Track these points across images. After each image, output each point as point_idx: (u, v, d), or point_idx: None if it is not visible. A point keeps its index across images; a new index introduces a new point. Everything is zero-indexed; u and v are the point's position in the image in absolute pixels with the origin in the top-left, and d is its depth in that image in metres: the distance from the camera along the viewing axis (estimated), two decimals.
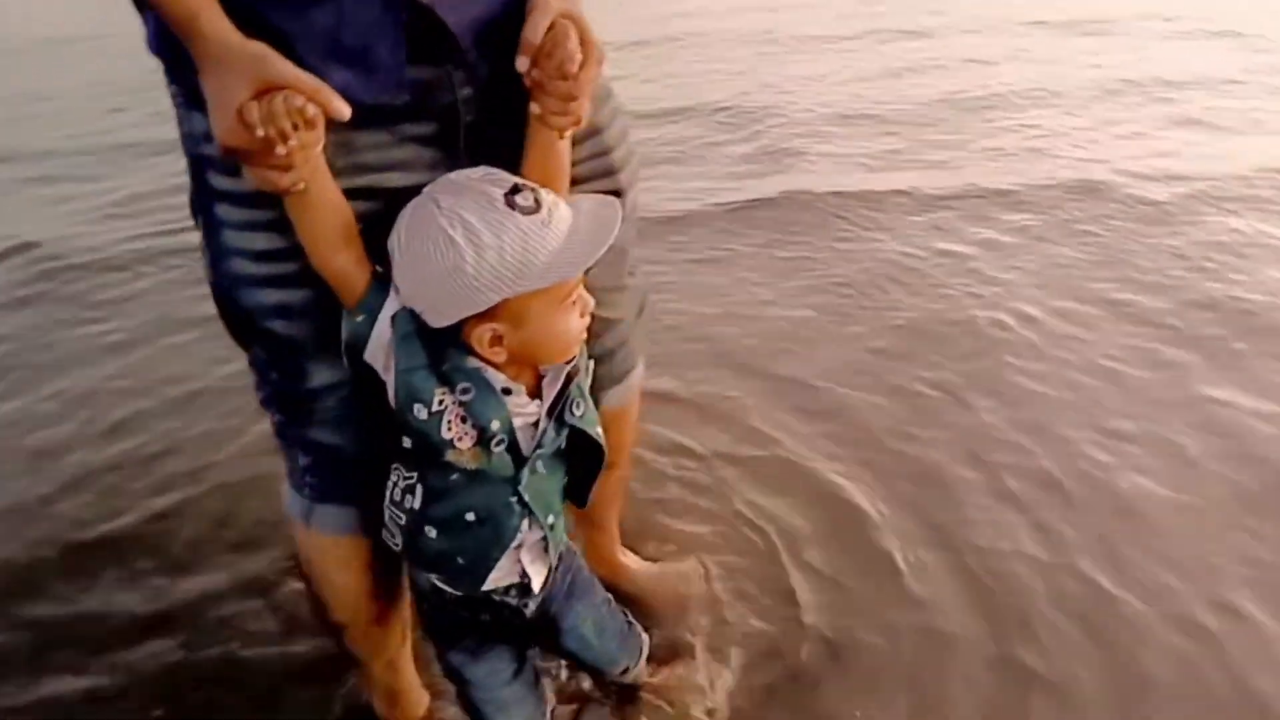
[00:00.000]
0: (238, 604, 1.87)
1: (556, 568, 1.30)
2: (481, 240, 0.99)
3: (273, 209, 1.04)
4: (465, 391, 1.07)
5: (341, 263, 1.04)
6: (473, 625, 1.28)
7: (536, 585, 1.26)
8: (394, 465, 1.17)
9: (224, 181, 1.09)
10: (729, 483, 2.13)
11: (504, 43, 1.05)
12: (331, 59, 0.98)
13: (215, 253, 1.15)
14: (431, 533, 1.16)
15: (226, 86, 0.93)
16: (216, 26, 0.94)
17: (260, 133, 0.91)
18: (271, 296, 1.14)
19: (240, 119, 0.91)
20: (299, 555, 1.43)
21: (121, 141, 4.72)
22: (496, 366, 1.08)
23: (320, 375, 1.19)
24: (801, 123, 4.54)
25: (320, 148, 0.97)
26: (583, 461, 1.24)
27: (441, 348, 1.06)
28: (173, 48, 1.00)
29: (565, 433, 1.17)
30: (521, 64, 1.04)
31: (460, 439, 1.08)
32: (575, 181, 1.17)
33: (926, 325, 2.73)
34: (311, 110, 0.92)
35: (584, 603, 1.38)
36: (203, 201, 1.14)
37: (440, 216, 1.00)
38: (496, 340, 1.05)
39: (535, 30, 1.02)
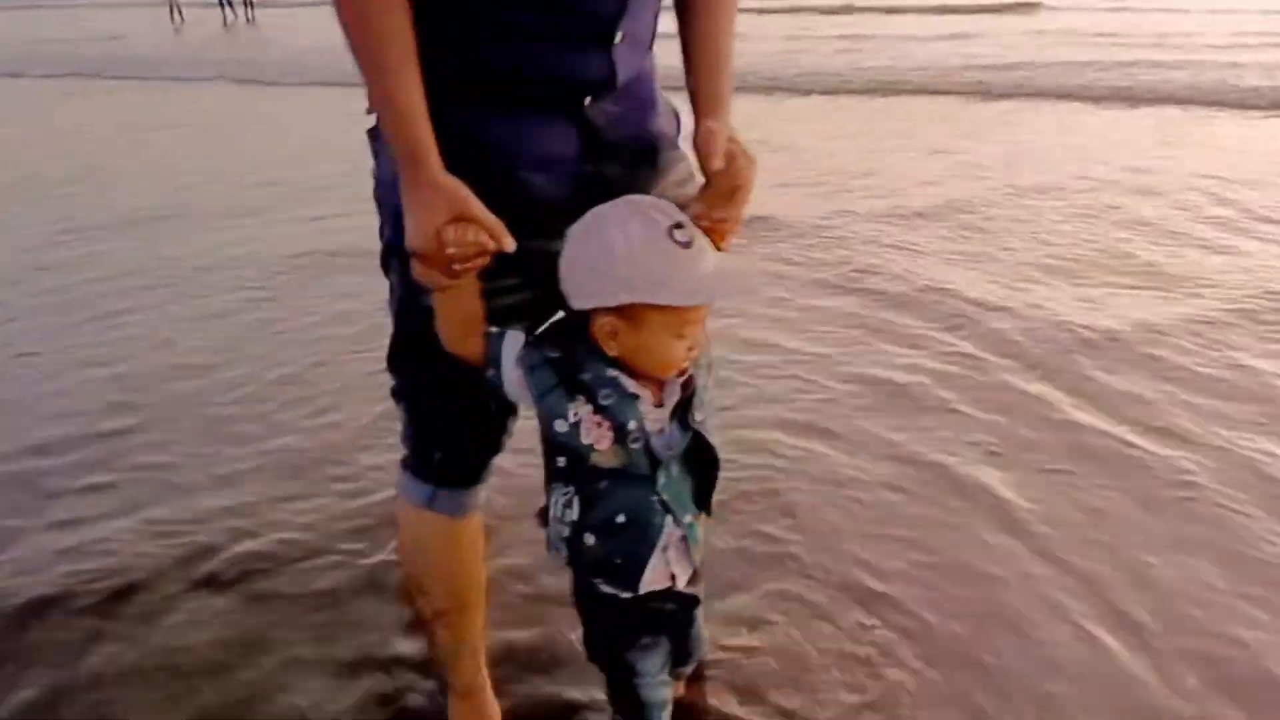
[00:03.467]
0: None
1: (699, 566, 1.47)
2: (634, 246, 1.21)
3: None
4: (607, 397, 1.28)
5: (471, 344, 1.31)
6: (646, 622, 1.46)
7: (681, 583, 1.43)
8: (554, 484, 1.37)
9: None
10: None
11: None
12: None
13: (412, 290, 1.39)
14: (590, 539, 1.35)
15: (432, 207, 1.21)
16: (436, 164, 1.23)
17: (451, 251, 1.19)
18: None
19: (438, 237, 1.19)
20: (406, 544, 1.70)
21: None
22: (625, 373, 1.29)
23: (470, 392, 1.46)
24: None
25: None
26: (705, 469, 1.41)
27: (579, 363, 1.28)
28: None
29: (689, 436, 1.35)
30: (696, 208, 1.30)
31: (599, 441, 1.28)
32: None
33: None
34: (490, 245, 1.20)
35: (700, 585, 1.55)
36: (403, 251, 1.39)
37: (614, 216, 1.24)
38: (613, 334, 1.26)
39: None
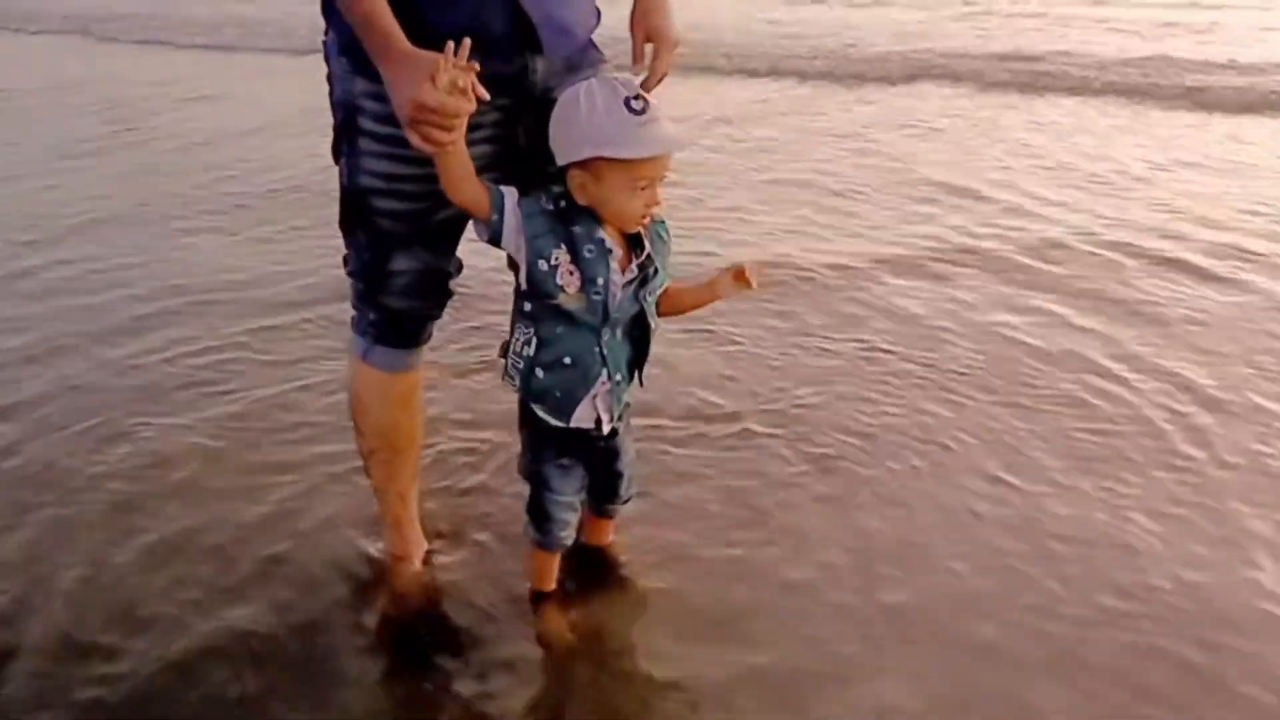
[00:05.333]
0: None
1: (620, 417, 1.83)
2: (596, 110, 1.55)
3: (398, 147, 1.57)
4: (589, 252, 1.62)
5: (473, 190, 1.60)
6: (570, 447, 1.81)
7: (606, 427, 1.79)
8: (516, 326, 1.72)
9: (371, 125, 1.68)
10: None
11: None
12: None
13: (352, 171, 1.73)
14: (540, 373, 1.71)
15: (415, 71, 1.42)
16: (402, 40, 1.48)
17: (444, 92, 1.40)
18: (386, 203, 1.73)
19: (427, 91, 1.39)
20: (352, 391, 1.99)
21: None
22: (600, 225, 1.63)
23: (399, 261, 1.79)
24: None
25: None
26: (641, 343, 1.76)
27: (574, 217, 1.62)
28: (357, 42, 1.55)
29: (636, 308, 1.70)
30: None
31: (569, 285, 1.63)
32: None
33: None
34: (473, 84, 1.43)
35: (628, 439, 1.92)
36: (349, 137, 1.72)
37: (584, 88, 1.58)
38: (581, 187, 1.60)
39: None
